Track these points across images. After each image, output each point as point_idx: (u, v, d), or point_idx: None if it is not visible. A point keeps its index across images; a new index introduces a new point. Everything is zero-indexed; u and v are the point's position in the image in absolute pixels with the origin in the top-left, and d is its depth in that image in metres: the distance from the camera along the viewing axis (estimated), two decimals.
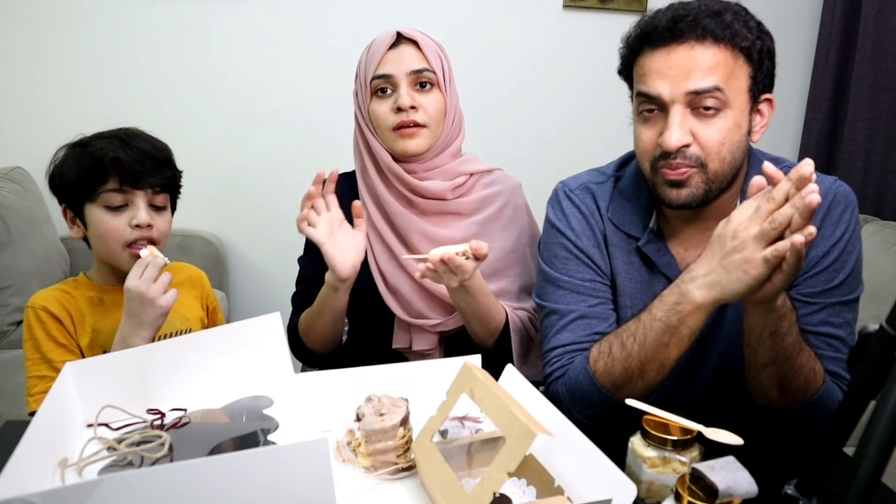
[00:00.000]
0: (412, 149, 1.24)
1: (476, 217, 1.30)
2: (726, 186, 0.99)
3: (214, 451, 0.86)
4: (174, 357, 0.96)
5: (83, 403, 0.91)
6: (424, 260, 1.06)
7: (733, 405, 1.04)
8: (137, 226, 1.12)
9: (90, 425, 0.91)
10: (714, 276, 0.87)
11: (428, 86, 1.24)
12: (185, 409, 0.96)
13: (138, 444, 0.87)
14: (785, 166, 1.07)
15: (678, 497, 0.68)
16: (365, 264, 1.28)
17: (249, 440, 0.89)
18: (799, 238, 0.77)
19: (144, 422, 0.93)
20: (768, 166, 0.83)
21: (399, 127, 1.23)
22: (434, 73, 1.23)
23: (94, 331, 1.15)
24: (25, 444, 0.71)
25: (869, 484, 0.50)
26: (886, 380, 0.52)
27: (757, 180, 0.85)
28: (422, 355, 1.29)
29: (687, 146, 0.95)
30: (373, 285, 1.29)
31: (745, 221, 0.84)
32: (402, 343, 1.30)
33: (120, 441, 0.87)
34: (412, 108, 1.22)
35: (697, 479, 0.67)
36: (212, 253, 2.30)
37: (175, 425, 0.92)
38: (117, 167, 1.10)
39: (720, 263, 0.86)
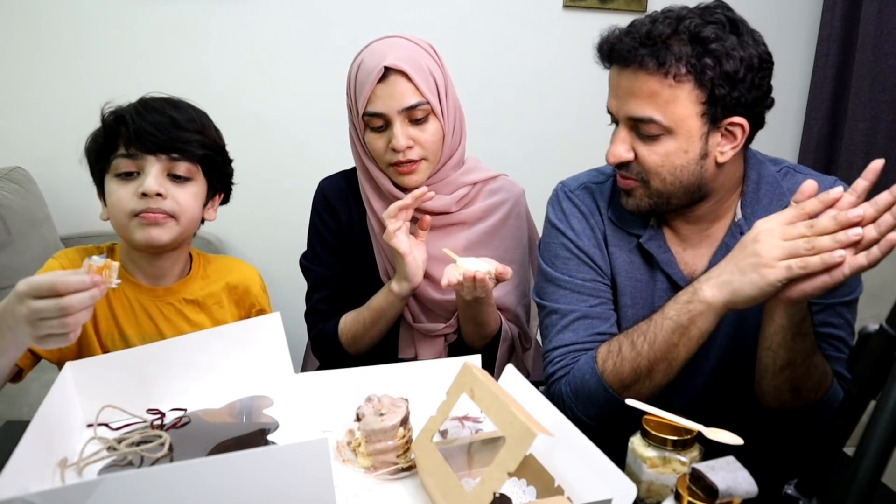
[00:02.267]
0: (412, 184, 1.21)
1: (480, 226, 1.28)
2: (686, 197, 0.99)
3: (214, 451, 0.86)
4: (175, 357, 0.96)
5: (83, 403, 0.91)
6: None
7: (733, 405, 1.04)
8: (144, 194, 1.00)
9: (90, 425, 0.91)
10: (727, 276, 0.88)
11: (423, 117, 1.18)
12: (185, 409, 0.96)
13: (138, 443, 0.87)
14: (786, 167, 1.07)
15: (678, 497, 0.68)
16: (374, 274, 1.28)
17: (249, 440, 0.89)
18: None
19: (144, 422, 0.93)
20: (810, 186, 0.85)
21: (396, 164, 1.19)
22: (429, 103, 1.17)
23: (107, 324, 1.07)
24: (25, 444, 0.71)
25: (869, 484, 0.50)
26: (886, 380, 0.52)
27: (809, 185, 0.85)
28: None
29: (629, 162, 0.98)
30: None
31: (773, 228, 0.84)
32: (408, 354, 1.30)
33: (120, 441, 0.87)
34: (408, 147, 1.18)
35: (697, 479, 0.67)
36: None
37: (175, 425, 0.92)
38: (122, 129, 1.00)
39: (735, 265, 0.87)
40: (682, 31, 0.92)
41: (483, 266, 1.05)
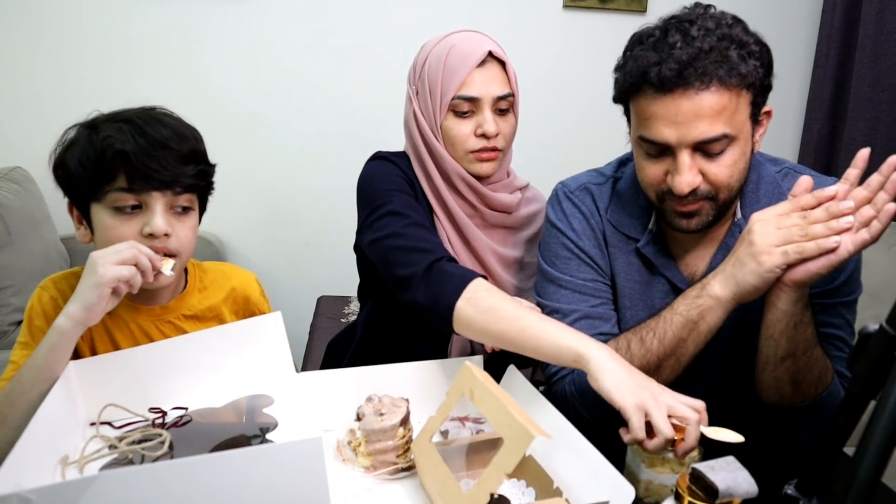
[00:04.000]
0: (487, 172, 1.20)
1: (523, 233, 1.29)
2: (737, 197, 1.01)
3: (215, 450, 0.86)
4: (177, 356, 0.96)
5: (86, 402, 0.92)
6: None
7: (734, 405, 1.04)
8: (151, 234, 0.94)
9: (93, 423, 0.91)
10: (730, 270, 0.90)
11: (507, 110, 1.20)
12: (186, 408, 0.96)
13: (139, 442, 0.87)
14: (786, 167, 1.07)
15: (678, 497, 0.68)
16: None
17: (249, 439, 0.89)
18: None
19: (146, 420, 0.93)
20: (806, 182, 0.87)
21: (478, 151, 1.18)
22: (514, 96, 1.20)
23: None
24: (25, 442, 0.71)
25: (869, 484, 0.51)
26: (886, 380, 0.52)
27: (805, 181, 0.88)
28: None
29: (697, 187, 0.95)
30: None
31: (768, 219, 0.87)
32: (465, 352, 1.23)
33: (121, 439, 0.87)
34: (497, 134, 1.17)
35: (697, 479, 0.67)
36: (211, 253, 2.29)
37: (176, 424, 0.92)
38: (125, 162, 0.91)
39: (736, 258, 0.90)
40: (728, 39, 0.91)
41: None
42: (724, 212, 1.00)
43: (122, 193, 0.93)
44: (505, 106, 1.18)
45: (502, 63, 1.18)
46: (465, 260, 1.22)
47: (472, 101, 1.16)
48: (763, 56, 0.94)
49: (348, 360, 1.30)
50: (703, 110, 0.90)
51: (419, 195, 1.22)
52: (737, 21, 0.95)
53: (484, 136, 1.16)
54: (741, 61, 0.91)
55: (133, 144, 0.91)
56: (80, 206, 0.97)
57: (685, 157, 0.93)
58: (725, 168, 0.94)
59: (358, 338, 1.29)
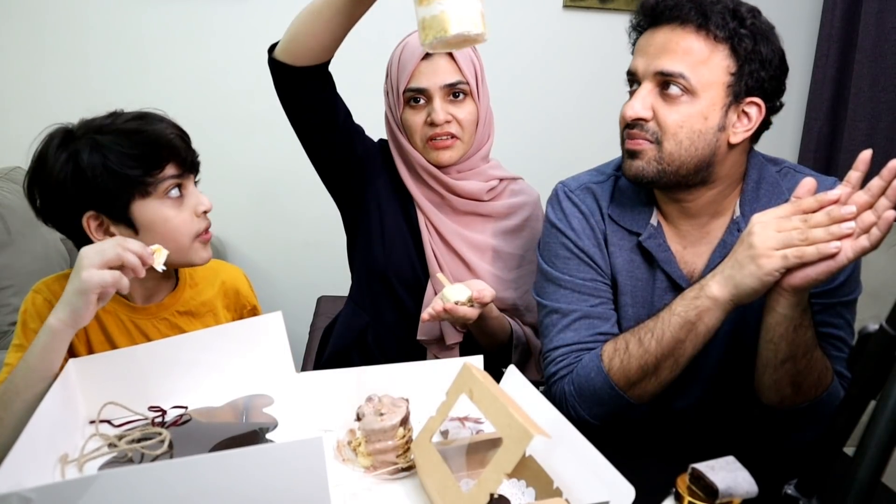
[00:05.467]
0: (445, 160, 1.25)
1: (503, 223, 1.31)
2: (696, 180, 1.00)
3: (215, 449, 0.86)
4: (177, 355, 0.96)
5: (86, 400, 0.92)
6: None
7: (734, 405, 1.04)
8: (205, 212, 1.02)
9: (92, 422, 0.91)
10: (728, 272, 0.90)
11: (461, 96, 1.23)
12: (186, 407, 0.96)
13: (139, 440, 0.87)
14: (785, 167, 1.07)
15: (678, 497, 0.68)
16: (418, 246, 1.29)
17: (249, 438, 0.89)
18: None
19: (146, 419, 0.93)
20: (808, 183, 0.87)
21: (432, 138, 1.23)
22: (468, 83, 1.22)
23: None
24: (25, 440, 0.71)
25: (869, 484, 0.50)
26: (886, 380, 0.52)
27: (808, 182, 0.88)
28: (445, 349, 1.30)
29: (646, 120, 0.98)
30: (422, 268, 1.29)
31: (768, 221, 0.87)
32: (432, 334, 1.29)
33: (120, 438, 0.87)
34: (446, 121, 1.22)
35: (697, 479, 0.67)
36: (212, 252, 2.29)
37: (176, 423, 0.92)
38: (172, 151, 0.98)
39: (735, 259, 0.89)
40: (725, 1, 0.96)
41: (464, 294, 1.09)
42: (676, 178, 0.99)
43: (172, 181, 0.98)
44: (458, 91, 1.22)
45: (449, 53, 1.21)
46: (438, 245, 1.28)
47: (421, 91, 1.21)
48: (757, 39, 0.95)
49: (336, 333, 1.37)
50: (669, 44, 0.96)
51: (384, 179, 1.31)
52: (754, 9, 0.98)
53: (433, 123, 1.21)
54: (722, 17, 0.94)
55: (176, 135, 0.99)
56: (112, 210, 0.97)
57: (643, 89, 0.98)
58: (677, 115, 0.96)
59: (345, 309, 1.38)
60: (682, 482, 0.69)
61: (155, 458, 0.84)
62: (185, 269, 1.11)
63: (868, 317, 1.01)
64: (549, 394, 1.06)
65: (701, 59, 0.95)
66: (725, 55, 0.95)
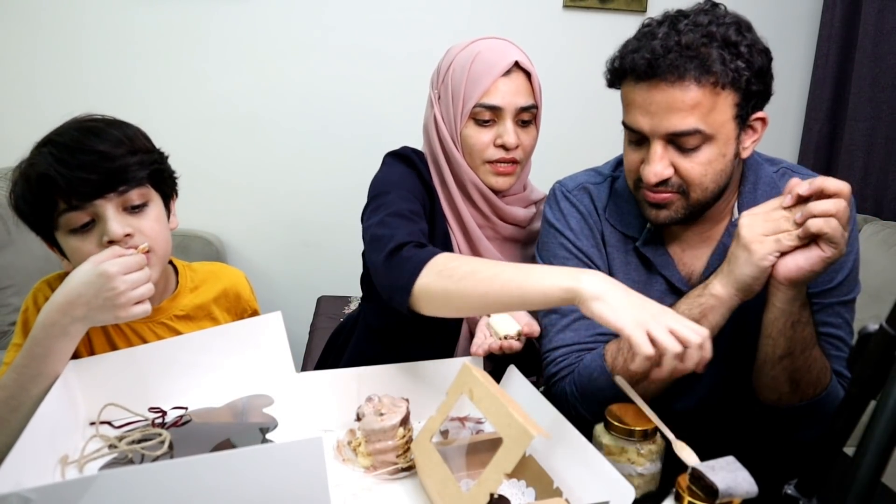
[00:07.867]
0: (502, 186, 1.18)
1: (531, 249, 1.26)
2: (714, 200, 0.99)
3: (215, 449, 0.86)
4: (177, 356, 0.96)
5: (86, 401, 0.92)
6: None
7: (735, 405, 1.04)
8: (111, 241, 0.91)
9: (93, 423, 0.91)
10: (727, 267, 0.91)
11: (529, 121, 1.17)
12: (186, 408, 0.96)
13: (139, 441, 0.87)
14: (784, 167, 1.07)
15: (678, 497, 0.68)
16: None
17: (249, 439, 0.89)
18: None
19: (146, 420, 0.93)
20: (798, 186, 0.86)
21: (496, 162, 1.16)
22: (538, 108, 1.18)
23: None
24: (25, 441, 0.71)
25: (869, 484, 0.50)
26: (886, 380, 0.52)
27: (795, 183, 0.87)
28: None
29: (668, 178, 0.96)
30: None
31: (756, 213, 0.88)
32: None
33: (121, 439, 0.87)
34: (516, 146, 1.15)
35: (697, 479, 0.67)
36: (211, 253, 2.29)
37: (176, 424, 0.92)
38: (53, 186, 0.89)
39: (731, 254, 0.90)
40: (712, 36, 0.91)
41: (513, 328, 1.02)
42: (701, 212, 0.99)
43: (69, 214, 0.91)
44: (527, 118, 1.16)
45: (528, 74, 1.16)
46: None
47: (495, 109, 1.14)
48: (753, 59, 0.92)
49: (348, 356, 1.30)
50: (675, 103, 0.91)
51: (435, 199, 1.21)
52: (737, 22, 0.93)
53: (503, 146, 1.15)
54: (721, 60, 0.90)
55: (60, 169, 0.89)
56: (49, 240, 0.97)
57: (657, 148, 0.95)
58: (699, 165, 0.94)
59: (360, 333, 1.30)
60: (682, 482, 0.69)
61: (155, 459, 0.84)
62: (184, 272, 1.11)
63: (868, 317, 1.01)
64: (549, 394, 1.06)
65: (710, 108, 0.92)
66: (728, 92, 0.92)
